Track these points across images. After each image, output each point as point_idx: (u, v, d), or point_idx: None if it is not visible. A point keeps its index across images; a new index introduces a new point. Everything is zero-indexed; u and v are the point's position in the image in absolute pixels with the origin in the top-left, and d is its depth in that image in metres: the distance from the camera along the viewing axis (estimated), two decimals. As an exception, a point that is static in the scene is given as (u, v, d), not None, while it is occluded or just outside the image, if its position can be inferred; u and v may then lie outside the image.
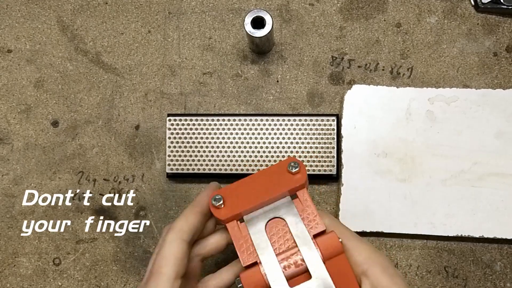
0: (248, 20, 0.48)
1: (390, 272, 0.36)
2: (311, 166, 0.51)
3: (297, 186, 0.38)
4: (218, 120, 0.52)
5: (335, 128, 0.51)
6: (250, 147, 0.51)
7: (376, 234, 0.52)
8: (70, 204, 0.54)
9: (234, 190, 0.38)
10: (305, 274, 0.36)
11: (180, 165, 0.52)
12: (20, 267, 0.53)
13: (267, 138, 0.51)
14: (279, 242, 0.37)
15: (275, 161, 0.51)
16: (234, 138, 0.52)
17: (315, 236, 0.37)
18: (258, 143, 0.51)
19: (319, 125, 0.51)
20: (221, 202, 0.38)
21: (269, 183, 0.38)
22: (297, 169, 0.38)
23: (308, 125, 0.51)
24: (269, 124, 0.51)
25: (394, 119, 0.51)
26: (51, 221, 0.53)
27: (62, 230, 0.53)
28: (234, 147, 0.51)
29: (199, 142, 0.52)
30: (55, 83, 0.54)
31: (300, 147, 0.51)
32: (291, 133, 0.51)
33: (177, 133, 0.52)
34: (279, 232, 0.37)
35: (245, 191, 0.38)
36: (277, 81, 0.54)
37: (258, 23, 0.48)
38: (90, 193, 0.54)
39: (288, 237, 0.37)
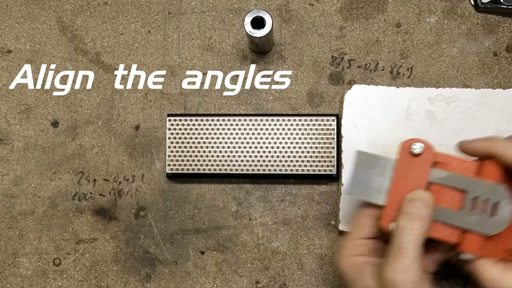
0: (248, 20, 0.48)
1: None
2: (311, 166, 0.51)
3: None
4: (218, 120, 0.52)
5: (335, 128, 0.51)
6: (250, 147, 0.51)
7: (376, 234, 0.52)
8: (70, 204, 0.54)
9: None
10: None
11: (180, 165, 0.52)
12: (20, 267, 0.53)
13: (267, 138, 0.51)
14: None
15: (275, 161, 0.51)
16: (234, 138, 0.52)
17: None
18: (258, 143, 0.51)
19: (319, 125, 0.51)
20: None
21: None
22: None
23: (308, 125, 0.51)
24: (269, 124, 0.51)
25: (394, 119, 0.51)
26: (51, 222, 0.53)
27: (62, 230, 0.53)
28: (234, 147, 0.52)
29: (199, 142, 0.52)
30: (55, 83, 0.54)
31: (300, 147, 0.51)
32: (291, 133, 0.51)
33: (177, 133, 0.52)
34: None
35: None
36: (277, 81, 0.54)
37: (258, 23, 0.48)
38: (90, 193, 0.54)
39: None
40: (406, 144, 0.41)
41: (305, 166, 0.51)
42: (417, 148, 0.41)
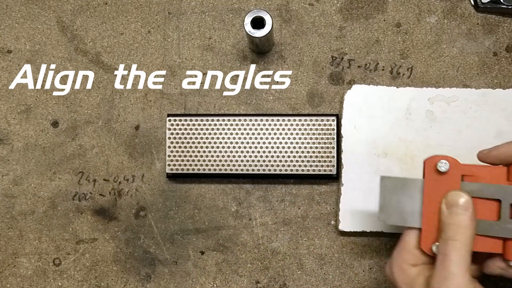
0: (248, 20, 0.48)
1: None
2: (311, 166, 0.51)
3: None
4: (218, 120, 0.52)
5: (335, 128, 0.51)
6: (250, 147, 0.51)
7: (376, 234, 0.52)
8: (70, 204, 0.54)
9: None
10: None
11: (180, 165, 0.52)
12: (20, 267, 0.53)
13: (267, 138, 0.51)
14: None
15: (275, 161, 0.51)
16: (234, 138, 0.52)
17: None
18: (258, 143, 0.51)
19: (319, 125, 0.51)
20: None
21: None
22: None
23: (308, 125, 0.51)
24: (269, 124, 0.51)
25: (394, 119, 0.51)
26: (51, 222, 0.53)
27: (62, 230, 0.53)
28: (234, 147, 0.52)
29: (199, 142, 0.52)
30: (55, 83, 0.55)
31: (300, 147, 0.51)
32: (291, 133, 0.51)
33: (177, 133, 0.52)
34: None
35: None
36: (277, 81, 0.54)
37: (258, 23, 0.48)
38: (90, 193, 0.54)
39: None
40: (430, 163, 0.40)
41: (305, 166, 0.51)
42: (443, 166, 0.39)
